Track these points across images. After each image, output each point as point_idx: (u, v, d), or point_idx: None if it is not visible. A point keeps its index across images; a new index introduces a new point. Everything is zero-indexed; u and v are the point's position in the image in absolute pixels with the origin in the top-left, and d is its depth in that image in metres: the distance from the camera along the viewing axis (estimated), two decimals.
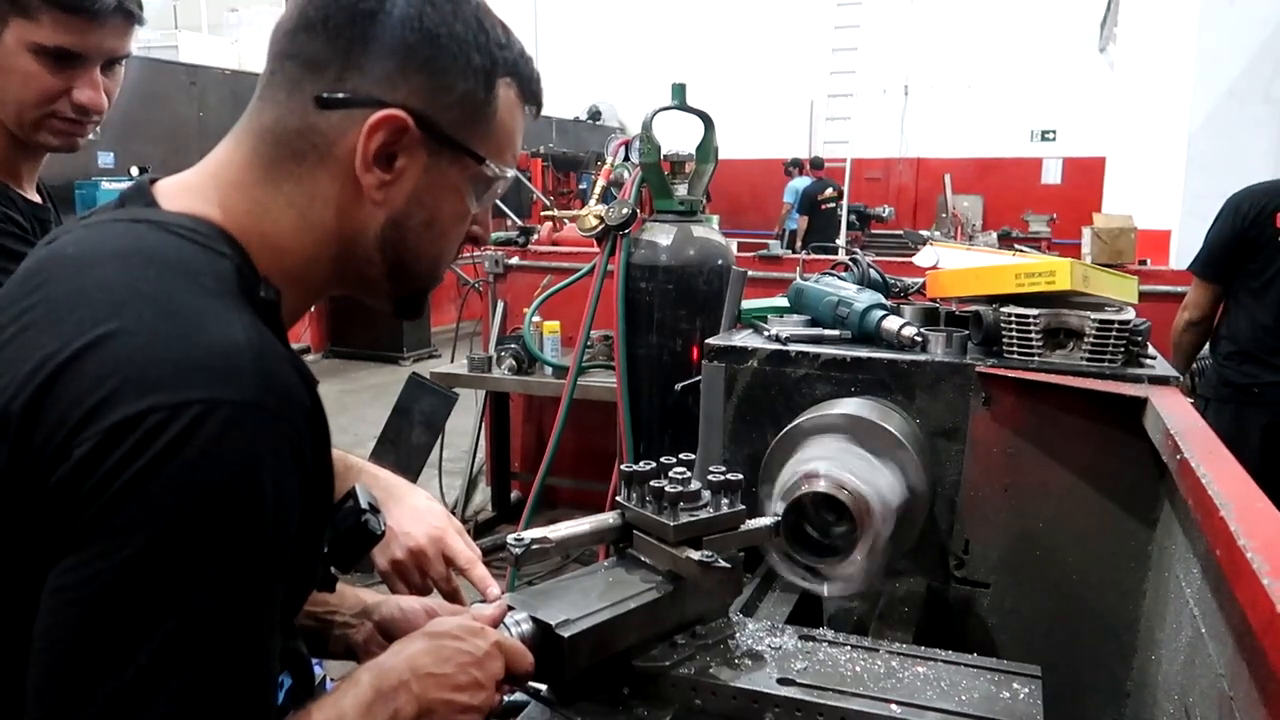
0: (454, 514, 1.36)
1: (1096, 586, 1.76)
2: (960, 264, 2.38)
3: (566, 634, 1.16)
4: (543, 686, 1.22)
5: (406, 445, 4.88)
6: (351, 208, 0.93)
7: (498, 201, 1.07)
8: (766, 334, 2.02)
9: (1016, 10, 13.98)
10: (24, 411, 0.76)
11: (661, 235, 3.39)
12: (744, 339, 2.03)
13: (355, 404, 7.67)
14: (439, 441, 4.90)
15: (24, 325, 0.81)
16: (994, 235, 10.11)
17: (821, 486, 1.53)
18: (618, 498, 1.38)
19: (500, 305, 5.16)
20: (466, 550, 1.31)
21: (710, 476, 1.33)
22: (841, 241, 11.26)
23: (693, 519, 1.30)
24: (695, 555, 1.25)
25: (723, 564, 1.26)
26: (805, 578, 1.58)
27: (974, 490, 1.84)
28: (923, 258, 2.59)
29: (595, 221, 3.57)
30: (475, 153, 0.95)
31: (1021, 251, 3.22)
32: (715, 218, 4.08)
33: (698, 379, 2.07)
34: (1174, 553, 1.52)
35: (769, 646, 1.36)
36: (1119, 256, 4.79)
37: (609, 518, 1.38)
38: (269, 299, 0.89)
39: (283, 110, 0.91)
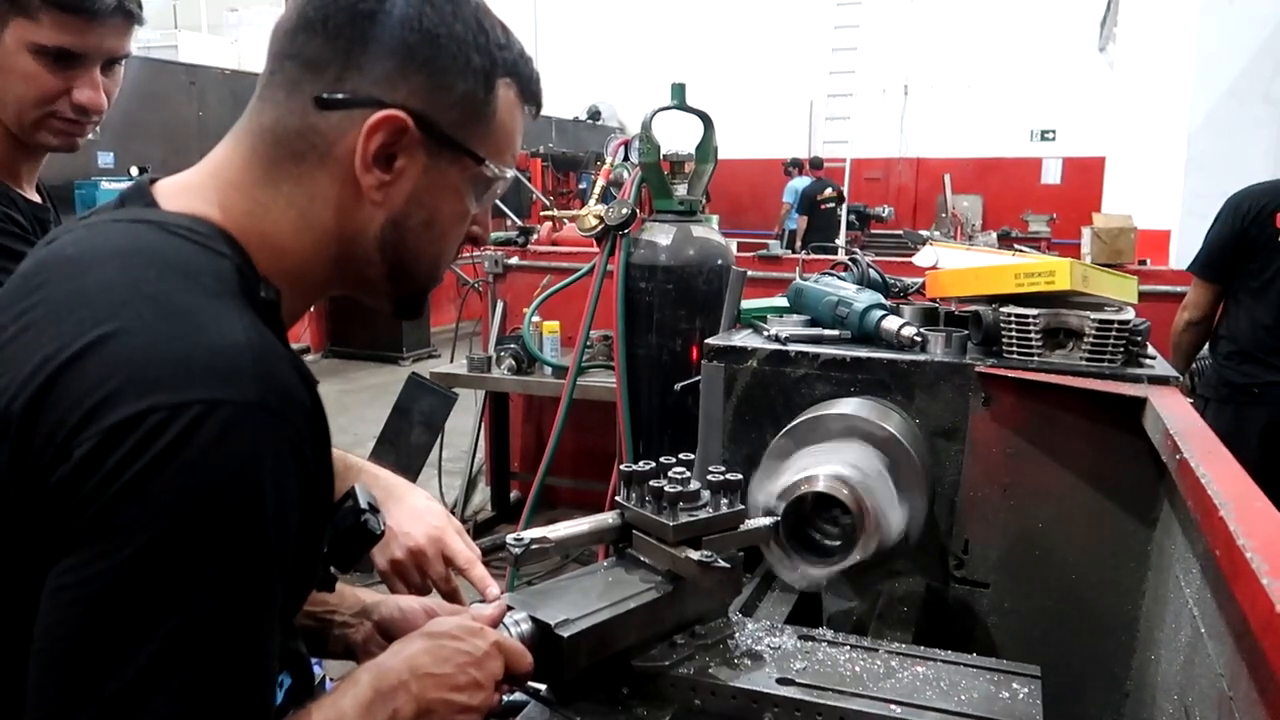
0: (453, 514, 1.36)
1: (1096, 586, 1.76)
2: (960, 264, 2.38)
3: (566, 634, 1.16)
4: (542, 686, 1.22)
5: (406, 445, 4.88)
6: (351, 208, 0.93)
7: (497, 201, 1.07)
8: (766, 334, 2.02)
9: (1016, 10, 13.98)
10: (24, 412, 0.76)
11: (661, 235, 3.39)
12: (743, 339, 2.03)
13: (355, 404, 7.66)
14: (438, 441, 4.90)
15: (24, 325, 0.81)
16: (994, 235, 10.12)
17: (821, 486, 1.53)
18: (617, 498, 1.38)
19: (500, 305, 5.16)
20: (466, 550, 1.31)
21: (710, 476, 1.33)
22: (841, 241, 11.27)
23: (692, 519, 1.30)
24: (694, 555, 1.25)
25: (722, 564, 1.26)
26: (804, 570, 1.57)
27: (973, 490, 1.84)
28: (922, 258, 2.59)
29: (595, 221, 3.57)
30: (475, 153, 0.95)
31: (1021, 251, 3.22)
32: (715, 218, 4.08)
33: (697, 379, 2.07)
34: (1173, 553, 1.52)
35: (768, 646, 1.36)
36: (1118, 256, 4.79)
37: (608, 518, 1.38)
38: (269, 299, 0.89)
39: (282, 110, 0.91)
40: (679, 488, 1.29)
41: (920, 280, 2.38)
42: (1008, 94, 14.39)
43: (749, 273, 2.28)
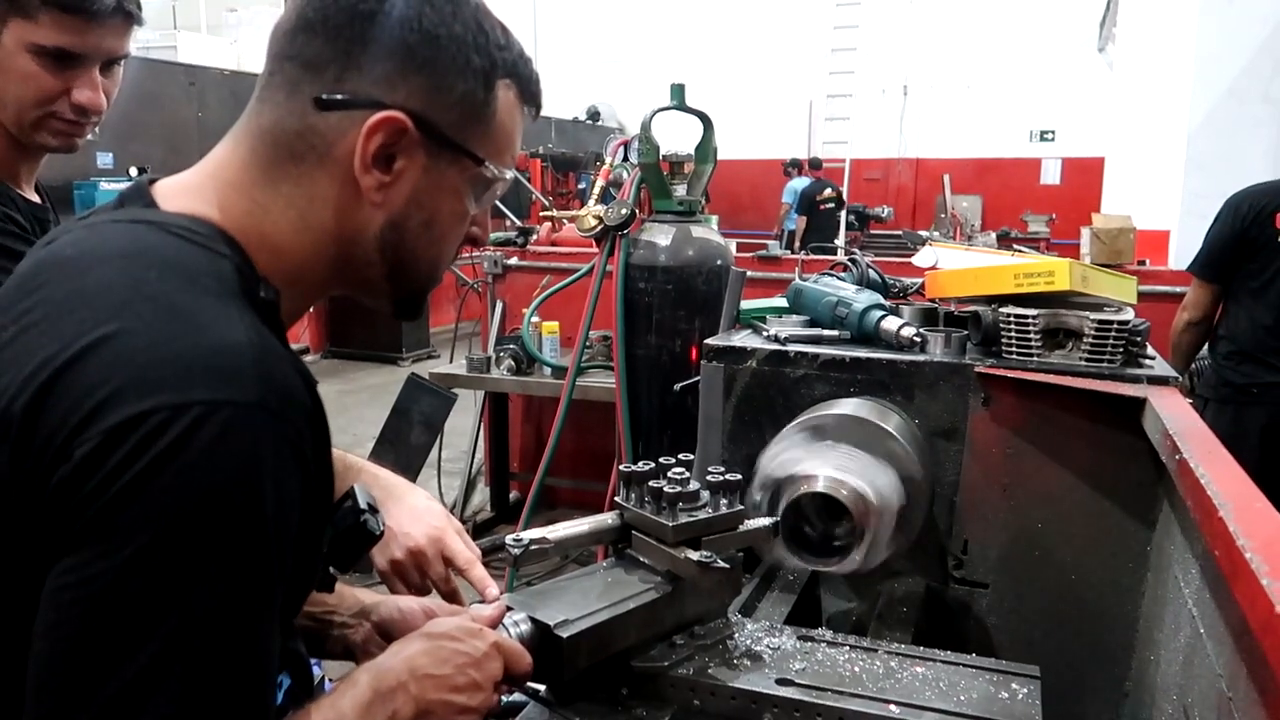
0: (452, 514, 1.36)
1: (1095, 586, 1.76)
2: (959, 264, 2.38)
3: (565, 634, 1.16)
4: (541, 687, 1.22)
5: (405, 445, 4.88)
6: (350, 209, 0.93)
7: (497, 202, 1.07)
8: (765, 334, 2.02)
9: (1016, 10, 13.98)
10: (25, 412, 0.76)
11: (660, 235, 3.39)
12: (743, 339, 2.03)
13: (354, 404, 7.67)
14: (438, 442, 4.90)
15: (24, 326, 0.81)
16: (993, 235, 10.12)
17: (821, 486, 1.53)
18: (616, 498, 1.38)
19: (499, 305, 5.16)
20: (465, 550, 1.31)
21: (709, 477, 1.33)
22: (840, 242, 11.27)
23: (691, 519, 1.30)
24: (694, 555, 1.25)
25: (721, 564, 1.26)
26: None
27: (973, 490, 1.84)
28: (921, 258, 2.59)
29: (594, 222, 3.57)
30: (474, 154, 0.95)
31: (1020, 252, 3.22)
32: (714, 218, 4.08)
33: (696, 379, 2.07)
34: (1172, 553, 1.52)
35: (767, 647, 1.36)
36: (1118, 257, 4.79)
37: (608, 518, 1.38)
38: (269, 299, 0.89)
39: (282, 111, 0.91)
40: (678, 488, 1.29)
41: (919, 281, 2.38)
42: (1007, 94, 14.39)
43: (748, 273, 2.28)
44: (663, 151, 3.43)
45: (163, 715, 0.72)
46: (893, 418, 1.79)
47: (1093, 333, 1.78)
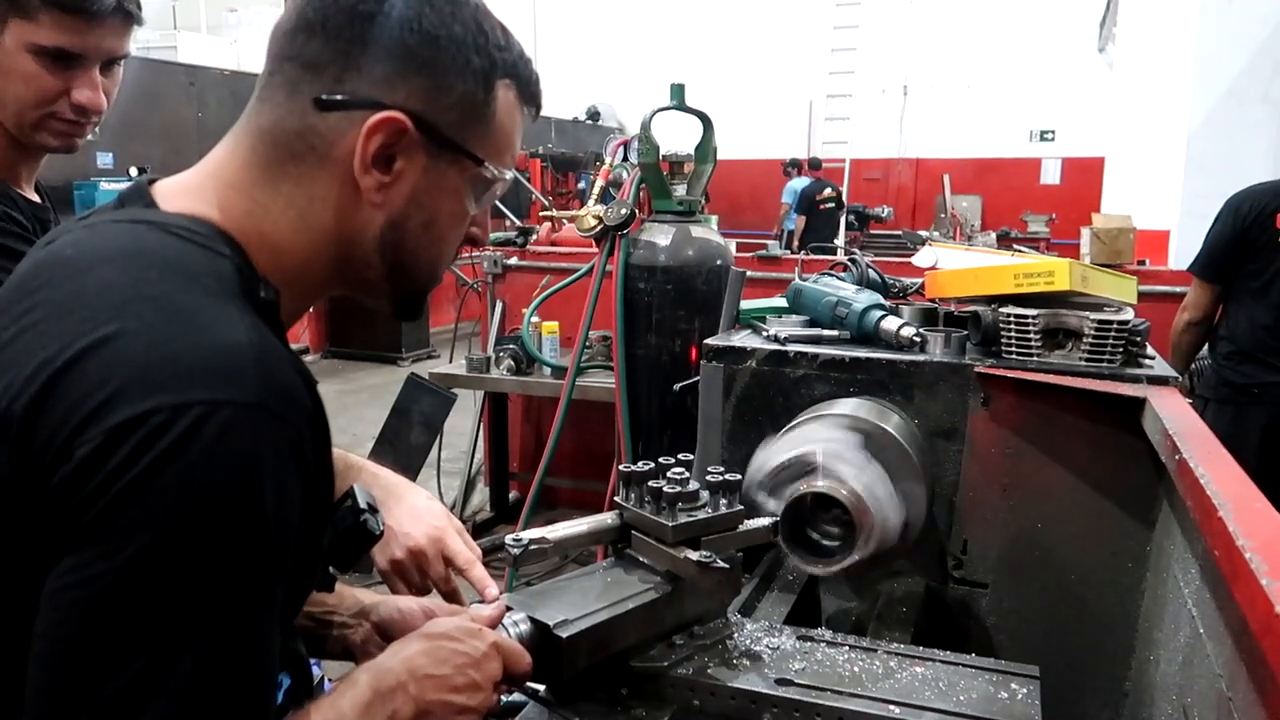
0: (452, 514, 1.36)
1: (1095, 587, 1.76)
2: (959, 264, 2.38)
3: (564, 634, 1.16)
4: (541, 687, 1.22)
5: (405, 445, 4.88)
6: (350, 209, 0.93)
7: (497, 202, 1.07)
8: (765, 334, 2.02)
9: (1015, 10, 13.98)
10: (25, 413, 0.76)
11: (660, 235, 3.39)
12: (743, 339, 2.03)
13: (354, 404, 7.66)
14: (437, 442, 4.90)
15: (24, 327, 0.81)
16: (993, 235, 10.12)
17: (820, 486, 1.53)
18: (616, 498, 1.38)
19: (499, 305, 5.16)
20: (465, 550, 1.31)
21: (708, 477, 1.33)
22: (840, 242, 11.27)
23: (691, 519, 1.30)
24: (693, 555, 1.25)
25: (721, 564, 1.26)
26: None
27: (972, 490, 1.84)
28: (921, 258, 2.59)
29: (594, 222, 3.57)
30: (474, 154, 0.95)
31: (1020, 252, 3.22)
32: (714, 218, 4.09)
33: (696, 379, 2.07)
34: (1172, 553, 1.52)
35: (767, 647, 1.36)
36: (1118, 257, 4.79)
37: (607, 518, 1.38)
38: (269, 299, 0.89)
39: (281, 111, 0.91)
40: (678, 488, 1.29)
41: (919, 281, 2.38)
42: (1007, 94, 14.38)
43: (748, 273, 2.28)
44: (662, 151, 3.43)
45: (163, 716, 0.72)
46: (892, 418, 1.79)
47: (1093, 333, 1.78)
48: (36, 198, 1.66)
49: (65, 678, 0.72)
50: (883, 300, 2.03)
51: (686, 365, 3.19)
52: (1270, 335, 3.49)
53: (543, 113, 1.08)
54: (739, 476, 1.35)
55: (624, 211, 3.46)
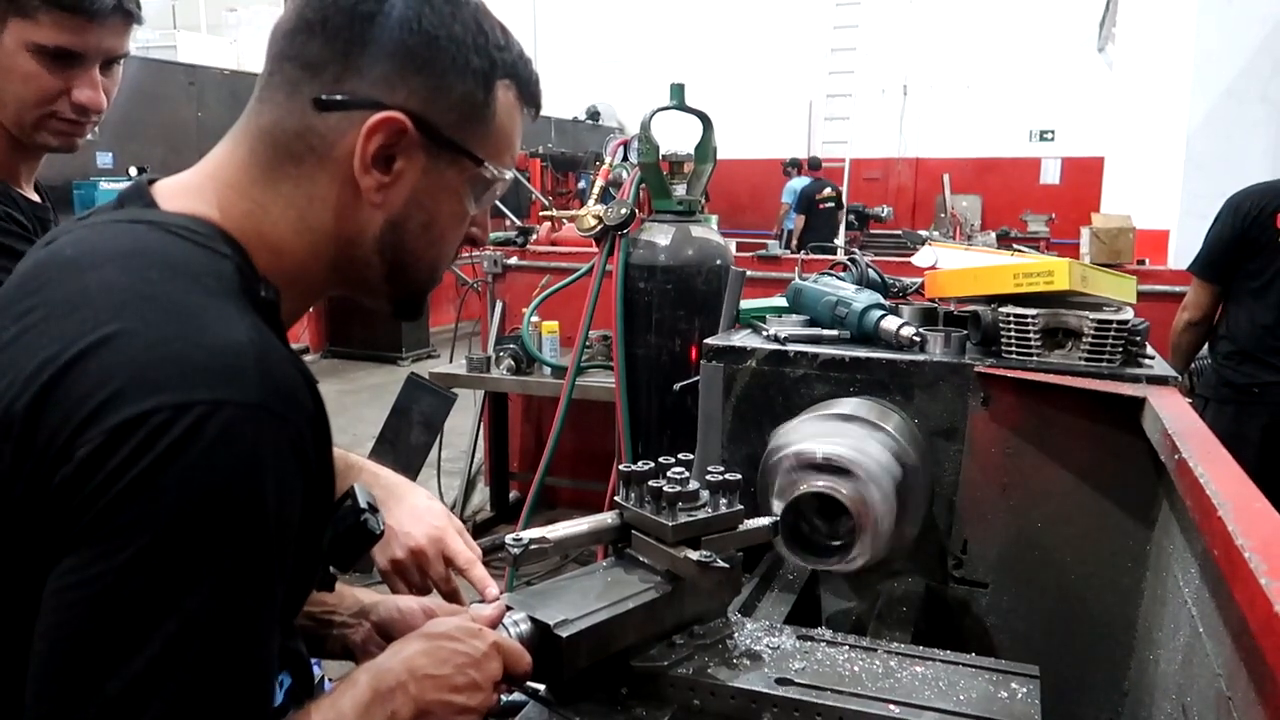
0: (452, 514, 1.36)
1: (1095, 586, 1.76)
2: (959, 264, 2.38)
3: (565, 634, 1.17)
4: (541, 686, 1.22)
5: (405, 445, 4.88)
6: (350, 209, 0.93)
7: (496, 202, 1.07)
8: (765, 334, 2.02)
9: (1015, 10, 13.98)
10: (27, 412, 0.76)
11: (660, 235, 3.39)
12: (743, 339, 2.03)
13: (354, 404, 7.66)
14: (437, 441, 4.90)
15: (25, 327, 0.81)
16: (992, 235, 10.12)
17: (820, 486, 1.53)
18: (616, 498, 1.38)
19: (499, 305, 5.16)
20: (466, 550, 1.31)
21: (708, 476, 1.33)
22: (840, 241, 11.27)
23: (691, 519, 1.30)
24: (693, 555, 1.25)
25: (721, 564, 1.26)
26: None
27: (972, 490, 1.84)
28: (921, 258, 2.59)
29: (594, 221, 3.57)
30: (474, 155, 0.95)
31: (1020, 251, 3.22)
32: (714, 218, 4.09)
33: (696, 379, 2.07)
34: (1172, 552, 1.52)
35: (767, 646, 1.36)
36: (1117, 256, 4.79)
37: (607, 518, 1.38)
38: (269, 299, 0.89)
39: (281, 112, 0.91)
40: (678, 488, 1.29)
41: (919, 280, 2.38)
42: (1007, 94, 14.38)
43: (748, 273, 2.28)
44: (662, 151, 3.43)
45: (164, 715, 0.72)
46: (892, 417, 1.79)
47: (1092, 332, 1.78)
48: (36, 197, 1.66)
49: (66, 677, 0.72)
50: (882, 300, 2.03)
51: (686, 365, 3.19)
52: (1270, 335, 3.49)
53: (543, 113, 1.08)
54: (739, 476, 1.35)
55: (624, 211, 3.46)
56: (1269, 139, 5.83)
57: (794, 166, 12.84)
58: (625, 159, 4.62)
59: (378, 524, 1.03)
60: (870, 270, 2.29)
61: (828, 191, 12.14)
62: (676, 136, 3.54)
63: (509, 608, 1.20)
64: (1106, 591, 1.75)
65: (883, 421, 1.72)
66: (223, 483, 0.74)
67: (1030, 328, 1.80)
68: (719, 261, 3.36)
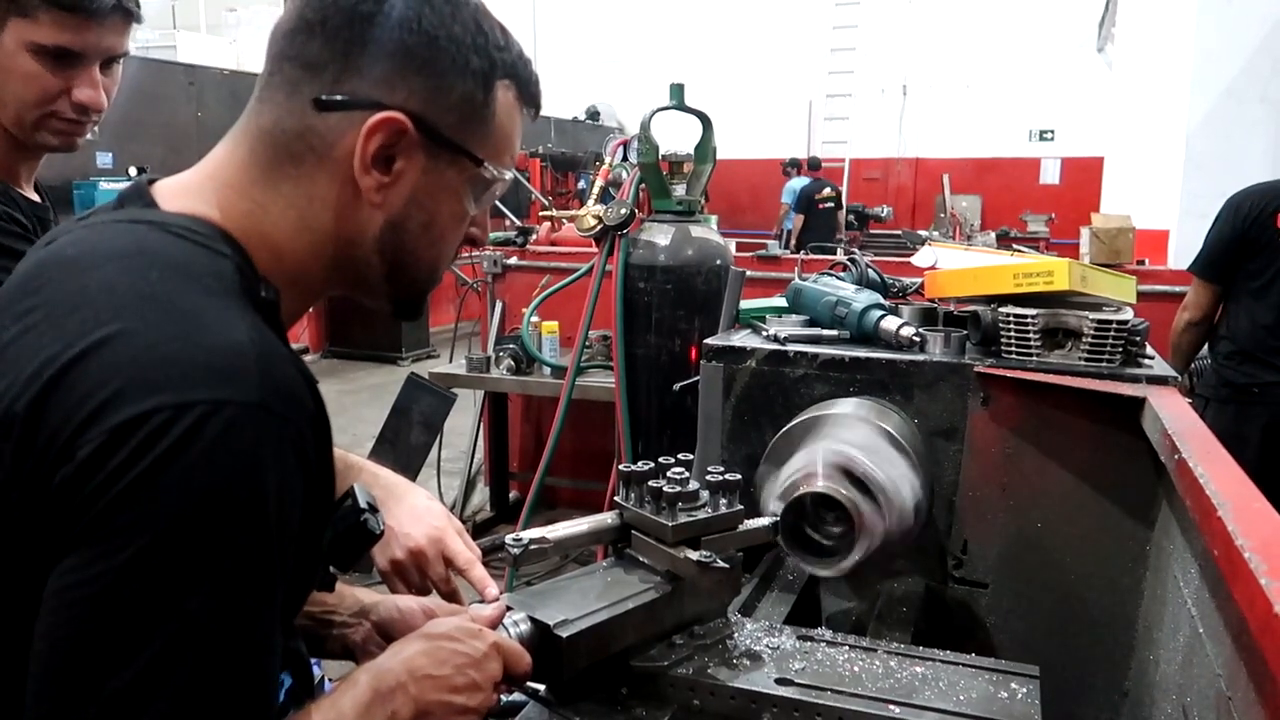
0: (452, 514, 1.36)
1: (1095, 586, 1.76)
2: (958, 264, 2.38)
3: (564, 634, 1.16)
4: (541, 687, 1.22)
5: (405, 445, 4.88)
6: (350, 210, 0.93)
7: (496, 202, 1.07)
8: (765, 334, 2.02)
9: (1015, 10, 13.99)
10: (27, 412, 0.76)
11: (660, 235, 3.39)
12: (742, 339, 2.03)
13: (354, 404, 7.66)
14: (437, 442, 4.90)
15: (25, 327, 0.81)
16: (992, 235, 10.10)
17: (820, 486, 1.53)
18: (616, 498, 1.38)
19: (499, 305, 5.16)
20: (466, 551, 1.31)
21: (708, 477, 1.33)
22: (841, 237, 11.27)
23: (691, 519, 1.30)
24: (693, 555, 1.25)
25: (721, 564, 1.26)
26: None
27: (972, 490, 1.84)
28: (921, 258, 2.59)
29: (593, 221, 3.57)
30: (474, 155, 0.95)
31: (1020, 251, 3.22)
32: (713, 218, 4.09)
33: (696, 379, 2.07)
34: (1172, 553, 1.52)
35: (767, 646, 1.36)
36: (1117, 256, 4.80)
37: (607, 518, 1.38)
38: (269, 299, 0.89)
39: (281, 112, 0.91)
40: (678, 488, 1.29)
41: (919, 280, 2.38)
42: (1006, 94, 14.39)
43: (748, 273, 2.28)
44: (662, 151, 3.43)
45: (164, 716, 0.72)
46: (892, 417, 1.79)
47: (1092, 332, 1.78)
48: (36, 197, 1.66)
49: (66, 678, 0.72)
50: (882, 300, 2.03)
51: (686, 365, 3.19)
52: (1271, 335, 3.49)
53: (543, 113, 1.08)
54: (739, 476, 1.35)
55: (624, 211, 3.46)
56: (1269, 139, 5.84)
57: (793, 166, 12.84)
58: (625, 159, 4.63)
59: (378, 524, 1.03)
60: (870, 270, 2.29)
61: (827, 191, 12.14)
62: (676, 136, 3.54)
63: (509, 608, 1.20)
64: (1106, 592, 1.75)
65: (882, 421, 1.72)
66: (223, 483, 0.74)
67: (1030, 328, 1.80)
68: (719, 261, 3.36)
